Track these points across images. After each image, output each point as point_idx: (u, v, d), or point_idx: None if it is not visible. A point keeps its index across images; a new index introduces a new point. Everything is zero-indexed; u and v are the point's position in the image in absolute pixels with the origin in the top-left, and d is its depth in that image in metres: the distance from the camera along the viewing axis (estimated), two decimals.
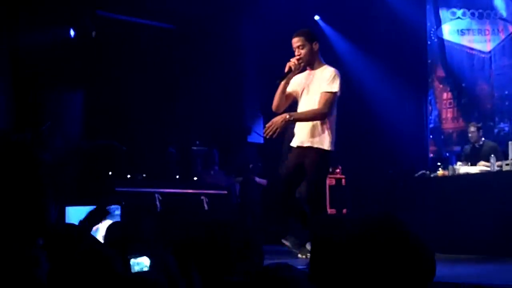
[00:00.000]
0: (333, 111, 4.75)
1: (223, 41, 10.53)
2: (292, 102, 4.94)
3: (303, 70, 4.88)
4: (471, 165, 7.74)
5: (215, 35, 10.67)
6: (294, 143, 4.86)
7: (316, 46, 4.77)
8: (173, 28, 10.49)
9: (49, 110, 8.42)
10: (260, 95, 10.16)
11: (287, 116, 4.60)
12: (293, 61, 4.68)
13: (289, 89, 4.83)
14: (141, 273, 2.55)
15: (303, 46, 4.71)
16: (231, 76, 10.44)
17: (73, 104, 9.08)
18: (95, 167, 8.28)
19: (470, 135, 8.25)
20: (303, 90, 4.84)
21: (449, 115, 10.66)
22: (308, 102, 4.75)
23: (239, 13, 10.72)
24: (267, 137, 4.64)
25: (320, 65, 4.81)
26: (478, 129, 8.20)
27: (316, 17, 11.66)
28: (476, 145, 8.13)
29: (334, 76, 4.68)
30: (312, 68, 4.81)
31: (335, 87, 4.65)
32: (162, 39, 10.30)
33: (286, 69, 4.67)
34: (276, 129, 4.58)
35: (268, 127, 4.62)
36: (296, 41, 4.76)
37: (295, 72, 4.73)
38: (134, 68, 9.77)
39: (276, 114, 4.84)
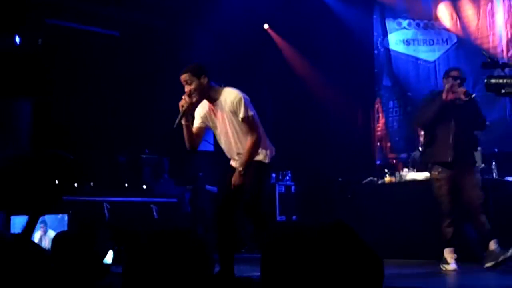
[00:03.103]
0: (259, 128, 4.72)
1: (174, 48, 10.50)
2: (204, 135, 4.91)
3: (199, 102, 4.78)
4: (420, 171, 7.88)
5: (167, 42, 10.64)
6: (232, 162, 4.86)
7: (204, 80, 4.63)
8: (119, 36, 10.40)
9: None
10: None
11: (240, 171, 4.60)
12: (184, 99, 4.61)
13: (196, 124, 4.80)
14: None
15: (191, 82, 4.63)
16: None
17: (21, 113, 8.90)
18: (41, 176, 8.13)
19: (422, 139, 8.35)
20: (214, 122, 4.79)
21: (395, 123, 10.88)
22: (232, 132, 4.71)
23: (189, 22, 10.71)
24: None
25: (218, 92, 4.70)
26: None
27: (266, 26, 11.76)
28: None
29: (239, 100, 4.61)
30: (211, 99, 4.72)
31: (246, 110, 4.60)
32: (112, 47, 10.20)
33: (181, 109, 4.60)
34: (238, 182, 4.60)
35: (234, 186, 4.62)
36: (183, 78, 4.66)
37: (190, 107, 4.64)
38: (82, 76, 9.65)
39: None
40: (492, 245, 5.41)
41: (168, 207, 8.71)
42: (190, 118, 4.75)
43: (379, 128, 11.04)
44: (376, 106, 11.10)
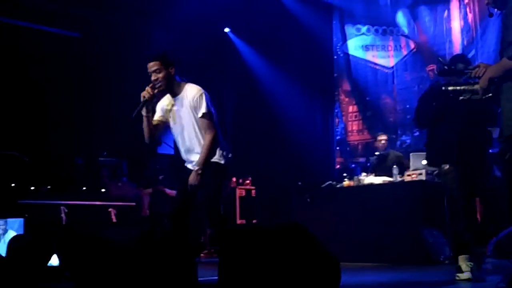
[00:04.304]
0: (218, 128, 4.66)
1: (133, 50, 10.42)
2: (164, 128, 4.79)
3: (162, 94, 4.70)
4: (379, 175, 7.99)
5: (125, 43, 10.55)
6: (188, 165, 4.76)
7: (172, 71, 4.58)
8: (79, 36, 10.28)
9: None
10: None
11: (199, 171, 4.51)
12: (147, 90, 4.51)
13: (156, 117, 4.69)
14: None
15: (159, 71, 4.53)
16: (141, 86, 10.33)
17: None
18: None
19: (379, 144, 8.50)
20: (172, 116, 4.70)
21: (355, 127, 11.00)
22: (191, 129, 4.64)
23: (149, 22, 10.65)
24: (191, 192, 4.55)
25: (180, 86, 4.65)
26: (386, 139, 8.51)
27: (226, 29, 11.75)
28: (383, 154, 8.39)
29: (200, 96, 4.56)
30: (173, 92, 4.65)
31: (207, 106, 4.56)
32: (71, 48, 10.07)
33: (142, 99, 4.49)
34: (195, 183, 4.53)
35: (191, 186, 4.51)
36: (151, 66, 4.55)
37: (151, 98, 4.54)
38: (40, 76, 9.49)
39: None
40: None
41: (127, 210, 8.62)
42: (150, 109, 4.60)
43: (338, 133, 11.15)
44: (336, 110, 11.21)
